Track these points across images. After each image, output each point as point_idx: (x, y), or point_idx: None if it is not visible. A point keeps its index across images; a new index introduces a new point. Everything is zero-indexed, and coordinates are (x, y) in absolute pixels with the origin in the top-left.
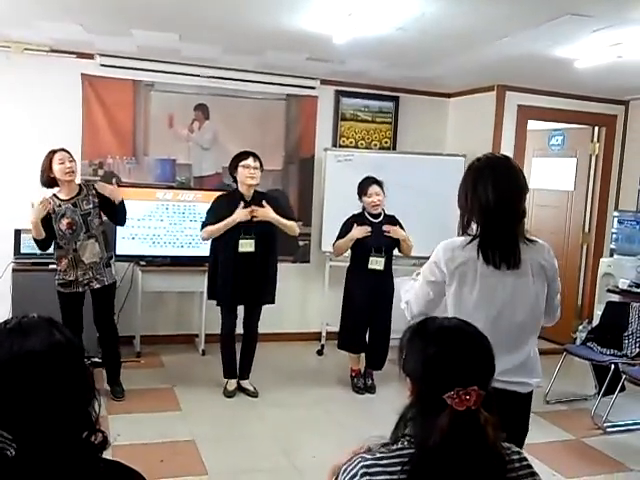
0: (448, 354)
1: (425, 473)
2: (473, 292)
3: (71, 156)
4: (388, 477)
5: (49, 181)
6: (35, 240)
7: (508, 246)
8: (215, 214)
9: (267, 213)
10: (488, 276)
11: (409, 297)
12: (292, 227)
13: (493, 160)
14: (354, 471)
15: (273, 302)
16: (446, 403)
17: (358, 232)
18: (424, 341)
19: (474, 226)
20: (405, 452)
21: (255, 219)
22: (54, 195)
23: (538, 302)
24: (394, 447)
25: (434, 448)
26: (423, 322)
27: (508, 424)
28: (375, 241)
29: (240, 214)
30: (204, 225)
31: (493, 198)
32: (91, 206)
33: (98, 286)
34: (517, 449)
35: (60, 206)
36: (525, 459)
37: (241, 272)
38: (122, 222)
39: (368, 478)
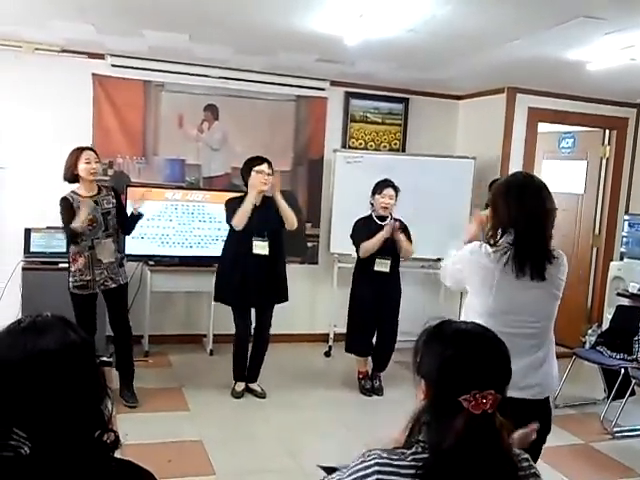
0: (466, 357)
1: (439, 475)
2: (495, 295)
3: (97, 156)
4: (399, 479)
5: (73, 177)
6: (72, 232)
7: (539, 260)
8: (234, 209)
9: (275, 188)
10: (510, 285)
11: (447, 264)
12: (293, 218)
13: (529, 179)
14: (367, 464)
15: (287, 299)
16: (461, 406)
17: (387, 231)
18: (441, 343)
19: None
20: (419, 457)
21: (267, 187)
22: (73, 192)
23: (554, 311)
24: (409, 452)
25: (448, 451)
26: (439, 325)
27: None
28: (382, 244)
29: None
30: (229, 220)
31: (536, 214)
32: (110, 206)
33: (114, 286)
34: (526, 456)
35: (82, 202)
36: (533, 466)
37: (254, 274)
38: (129, 232)
39: (380, 477)
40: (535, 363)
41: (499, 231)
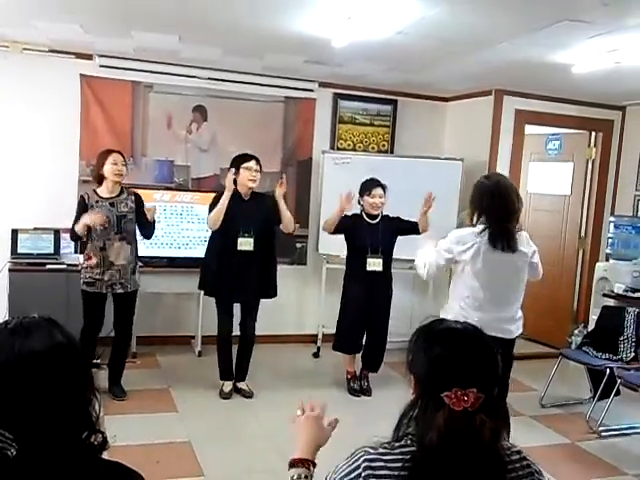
0: (451, 355)
1: (425, 471)
2: (479, 264)
3: (125, 160)
4: (389, 472)
5: (99, 177)
6: (73, 233)
7: (509, 237)
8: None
9: (281, 192)
10: (492, 255)
11: (430, 260)
12: (291, 221)
13: (502, 180)
14: (357, 463)
15: (275, 295)
16: (444, 402)
17: (343, 205)
18: (429, 341)
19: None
20: (407, 450)
21: (255, 184)
22: (93, 191)
23: (522, 274)
24: (397, 444)
25: (432, 447)
26: (430, 324)
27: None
28: (372, 242)
29: (229, 178)
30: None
31: (504, 206)
32: (127, 209)
33: (121, 291)
34: (518, 449)
35: (98, 202)
36: (525, 459)
37: (240, 270)
38: (149, 236)
39: (370, 472)
40: (510, 311)
41: (475, 216)
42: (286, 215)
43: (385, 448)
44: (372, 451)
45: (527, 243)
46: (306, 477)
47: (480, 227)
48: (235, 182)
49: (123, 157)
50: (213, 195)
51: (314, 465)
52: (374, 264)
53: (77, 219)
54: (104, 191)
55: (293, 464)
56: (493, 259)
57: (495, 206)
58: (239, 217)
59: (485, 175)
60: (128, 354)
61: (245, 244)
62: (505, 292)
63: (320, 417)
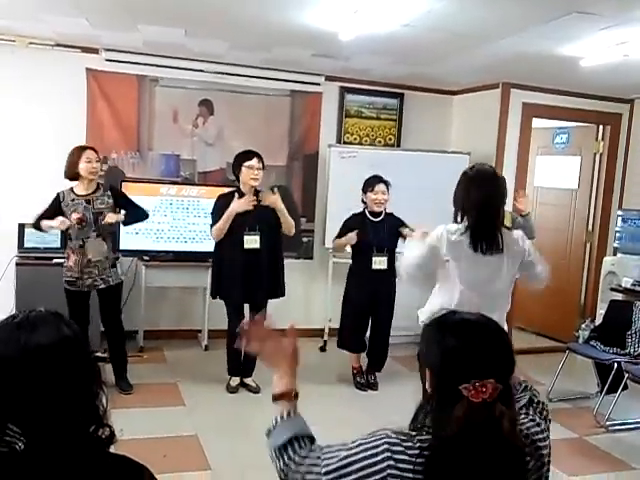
0: (466, 346)
1: (443, 462)
2: (463, 266)
3: (98, 156)
4: (407, 458)
5: (74, 175)
6: (37, 225)
7: (491, 237)
8: (220, 213)
9: (277, 200)
10: (473, 257)
11: (413, 255)
12: (291, 224)
13: (482, 171)
14: (378, 443)
15: (283, 294)
16: (462, 395)
17: (353, 238)
18: (444, 333)
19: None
20: (424, 438)
21: (263, 204)
22: (71, 189)
23: (509, 277)
24: (415, 434)
25: (450, 439)
26: (444, 315)
27: None
28: (376, 240)
29: (239, 204)
30: (212, 227)
31: (482, 201)
32: (104, 206)
33: (103, 286)
34: (538, 420)
35: (74, 200)
36: (545, 431)
37: (248, 269)
38: (141, 217)
39: (389, 455)
40: (501, 317)
41: (459, 214)
42: (287, 220)
43: (405, 435)
44: (393, 435)
45: (518, 243)
46: (289, 413)
47: (462, 225)
48: (238, 179)
49: (97, 153)
50: (220, 189)
51: (296, 396)
52: (379, 262)
53: (42, 216)
54: (80, 189)
55: (275, 399)
56: (475, 261)
57: (479, 196)
58: (243, 215)
59: (470, 167)
60: (126, 347)
61: (251, 242)
62: (491, 296)
63: (277, 341)
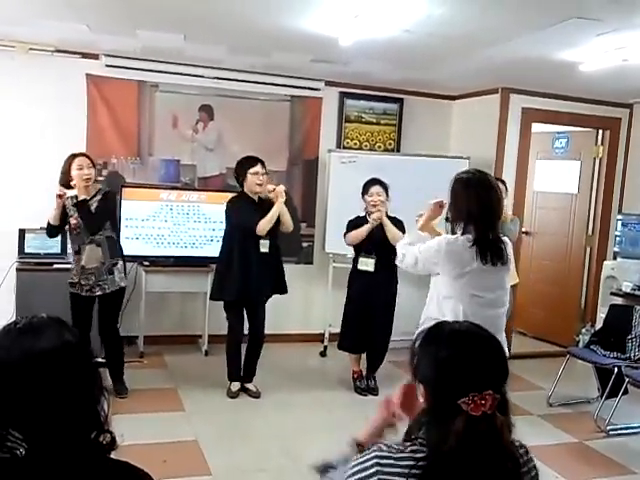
0: (461, 358)
1: (438, 475)
2: (472, 282)
3: (91, 162)
4: (399, 470)
5: (68, 184)
6: (48, 224)
7: (499, 248)
8: (240, 213)
9: (282, 192)
10: (481, 269)
11: (411, 253)
12: (289, 222)
13: (483, 180)
14: (367, 458)
15: (286, 291)
16: (460, 408)
17: (371, 224)
18: (437, 345)
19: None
20: (417, 448)
21: (270, 193)
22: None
23: (508, 286)
24: (408, 444)
25: (449, 452)
26: (435, 326)
27: None
28: (367, 242)
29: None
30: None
31: (488, 211)
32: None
33: (100, 293)
34: (522, 445)
35: (74, 206)
36: (529, 453)
37: (258, 271)
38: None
39: (379, 469)
40: (500, 334)
41: (458, 224)
42: (286, 216)
43: (397, 446)
44: (384, 448)
45: (510, 250)
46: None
47: (466, 236)
48: (241, 186)
49: (89, 159)
50: (220, 194)
51: (363, 448)
52: (365, 264)
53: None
54: (79, 194)
55: (356, 445)
56: (485, 275)
57: (480, 204)
58: (257, 219)
59: (463, 171)
60: (127, 352)
61: (264, 246)
62: (494, 310)
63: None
